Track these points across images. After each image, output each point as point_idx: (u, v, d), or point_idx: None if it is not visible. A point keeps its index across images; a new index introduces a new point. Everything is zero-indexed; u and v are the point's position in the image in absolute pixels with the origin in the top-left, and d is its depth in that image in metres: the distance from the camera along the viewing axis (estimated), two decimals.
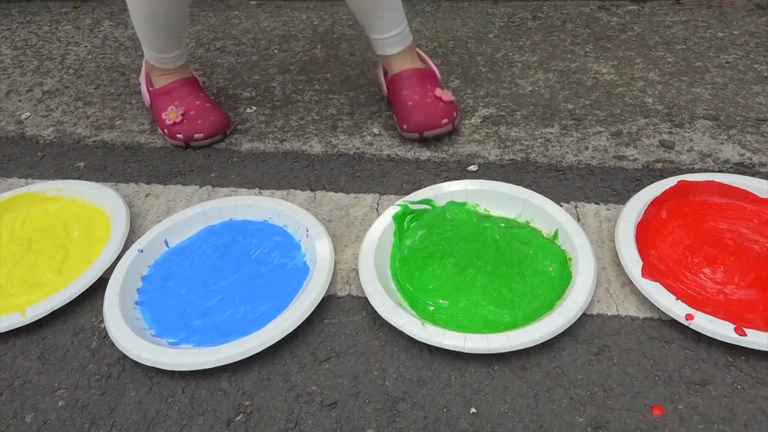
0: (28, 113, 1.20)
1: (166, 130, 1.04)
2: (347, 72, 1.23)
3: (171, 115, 1.02)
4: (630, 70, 1.15)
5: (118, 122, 1.15)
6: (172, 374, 0.70)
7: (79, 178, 1.01)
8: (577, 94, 1.10)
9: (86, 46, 1.44)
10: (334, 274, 0.78)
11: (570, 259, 0.76)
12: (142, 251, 0.83)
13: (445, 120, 0.99)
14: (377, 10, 0.99)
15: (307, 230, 0.82)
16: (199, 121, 1.00)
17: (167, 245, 0.86)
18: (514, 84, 1.14)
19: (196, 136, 1.00)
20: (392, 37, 1.03)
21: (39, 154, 1.09)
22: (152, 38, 1.01)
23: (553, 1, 1.45)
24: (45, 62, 1.39)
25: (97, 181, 0.98)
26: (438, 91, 1.01)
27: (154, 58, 1.04)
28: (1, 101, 1.25)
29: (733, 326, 0.65)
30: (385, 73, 1.09)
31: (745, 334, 0.65)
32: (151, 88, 1.08)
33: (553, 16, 1.37)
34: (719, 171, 0.90)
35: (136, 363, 0.71)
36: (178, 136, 1.02)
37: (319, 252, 0.79)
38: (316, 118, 1.10)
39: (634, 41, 1.24)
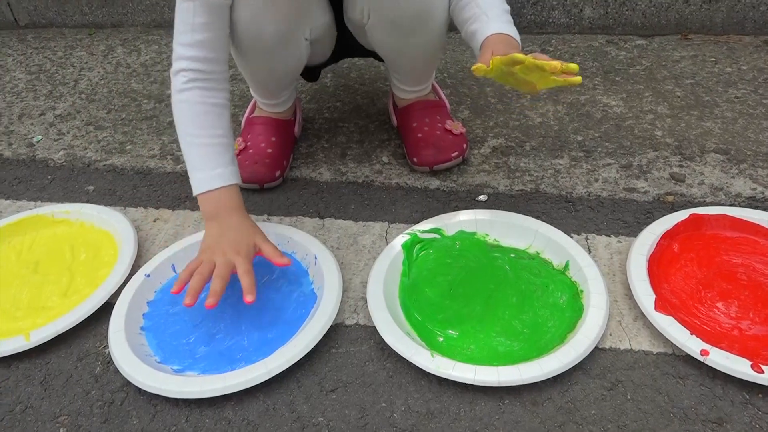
0: (40, 136, 1.21)
1: None
2: (357, 101, 1.24)
3: (235, 145, 1.02)
4: (639, 104, 1.16)
5: (128, 147, 1.16)
6: (176, 402, 0.68)
7: (88, 202, 1.01)
8: (587, 126, 1.10)
9: (99, 72, 1.46)
10: (342, 302, 0.77)
11: (581, 291, 0.75)
12: (149, 276, 0.83)
13: (456, 153, 0.99)
14: (412, 70, 1.01)
15: (315, 258, 0.81)
16: (247, 163, 0.99)
17: (174, 270, 0.85)
18: (524, 115, 1.14)
19: None
20: (414, 91, 1.04)
21: (49, 177, 1.09)
22: (258, 89, 1.04)
23: (562, 34, 1.46)
24: (58, 87, 1.40)
25: (105, 205, 0.99)
26: (449, 123, 1.01)
27: (258, 100, 1.07)
28: (14, 124, 1.26)
29: (750, 363, 0.64)
30: (395, 103, 1.10)
31: (762, 371, 0.63)
32: (250, 115, 1.09)
33: (562, 49, 1.39)
34: (731, 205, 0.89)
35: (139, 390, 0.70)
36: None
37: (327, 280, 0.78)
38: (326, 145, 1.11)
39: (642, 75, 1.25)
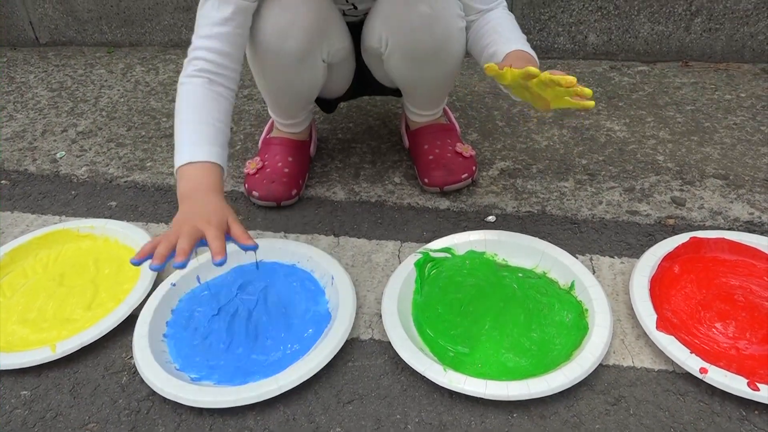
0: (63, 153, 1.26)
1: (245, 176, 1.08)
2: (369, 122, 1.28)
3: (251, 165, 1.06)
4: (641, 129, 1.20)
5: (148, 164, 1.20)
6: (200, 411, 0.72)
7: (110, 217, 1.05)
8: (591, 150, 1.14)
9: (119, 90, 1.51)
10: (357, 317, 0.81)
11: (586, 310, 0.79)
12: (174, 285, 0.87)
13: (465, 174, 1.03)
14: (427, 97, 1.06)
15: (332, 278, 0.85)
16: (264, 182, 1.03)
17: (198, 281, 0.89)
18: (530, 139, 1.19)
19: (253, 193, 1.04)
20: (427, 115, 1.09)
21: (72, 192, 1.14)
22: (276, 108, 1.08)
23: (567, 60, 1.51)
24: (79, 104, 1.45)
25: (128, 221, 1.03)
26: (459, 146, 1.06)
27: (276, 120, 1.11)
28: (37, 140, 1.31)
29: (746, 381, 0.67)
30: (407, 126, 1.14)
31: (758, 389, 0.67)
32: (267, 135, 1.13)
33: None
34: (729, 229, 0.93)
35: (164, 399, 0.73)
36: (245, 185, 1.06)
37: (342, 300, 0.81)
38: (339, 165, 1.15)
39: (644, 101, 1.30)
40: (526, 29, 1.49)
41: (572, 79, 0.67)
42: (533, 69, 0.70)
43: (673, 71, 1.41)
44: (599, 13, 1.45)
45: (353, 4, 0.98)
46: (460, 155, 1.05)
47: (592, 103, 0.69)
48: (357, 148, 1.20)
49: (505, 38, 0.89)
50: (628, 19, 1.44)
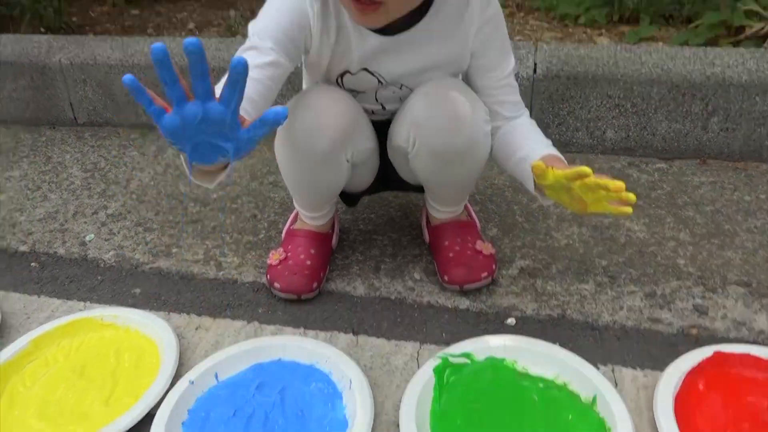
0: (92, 235, 1.29)
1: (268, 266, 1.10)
2: (391, 213, 1.31)
3: (275, 256, 1.08)
4: (661, 229, 1.20)
5: (174, 250, 1.23)
6: None
7: (134, 305, 1.06)
8: (611, 250, 1.15)
9: (150, 173, 1.56)
10: (374, 426, 0.80)
11: (609, 429, 0.77)
12: (192, 383, 0.87)
13: (485, 273, 1.04)
14: (450, 195, 1.08)
15: (351, 381, 0.85)
16: (286, 273, 1.05)
17: (217, 379, 0.89)
18: (550, 236, 1.20)
19: (275, 284, 1.05)
20: (448, 212, 1.11)
21: (99, 277, 1.16)
22: (300, 201, 1.10)
23: (585, 154, 1.54)
24: (111, 186, 1.50)
25: (150, 310, 1.04)
26: (479, 244, 1.07)
27: (300, 212, 1.13)
28: (68, 222, 1.35)
29: None
30: (428, 221, 1.16)
31: None
32: (291, 226, 1.15)
33: None
34: (754, 342, 0.92)
35: None
36: (267, 276, 1.08)
37: (360, 408, 0.81)
38: (360, 258, 1.16)
39: (663, 199, 1.31)
40: (545, 123, 1.53)
41: (621, 184, 0.68)
42: (586, 169, 0.70)
43: (692, 169, 1.43)
44: (617, 110, 1.49)
45: (382, 104, 1.02)
46: (480, 253, 1.06)
47: (630, 209, 0.69)
48: (378, 240, 1.22)
49: (535, 142, 0.94)
50: (645, 116, 1.47)
